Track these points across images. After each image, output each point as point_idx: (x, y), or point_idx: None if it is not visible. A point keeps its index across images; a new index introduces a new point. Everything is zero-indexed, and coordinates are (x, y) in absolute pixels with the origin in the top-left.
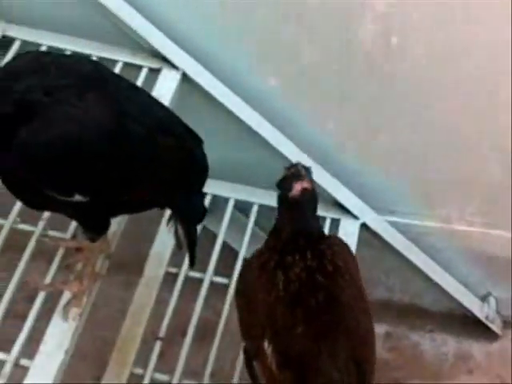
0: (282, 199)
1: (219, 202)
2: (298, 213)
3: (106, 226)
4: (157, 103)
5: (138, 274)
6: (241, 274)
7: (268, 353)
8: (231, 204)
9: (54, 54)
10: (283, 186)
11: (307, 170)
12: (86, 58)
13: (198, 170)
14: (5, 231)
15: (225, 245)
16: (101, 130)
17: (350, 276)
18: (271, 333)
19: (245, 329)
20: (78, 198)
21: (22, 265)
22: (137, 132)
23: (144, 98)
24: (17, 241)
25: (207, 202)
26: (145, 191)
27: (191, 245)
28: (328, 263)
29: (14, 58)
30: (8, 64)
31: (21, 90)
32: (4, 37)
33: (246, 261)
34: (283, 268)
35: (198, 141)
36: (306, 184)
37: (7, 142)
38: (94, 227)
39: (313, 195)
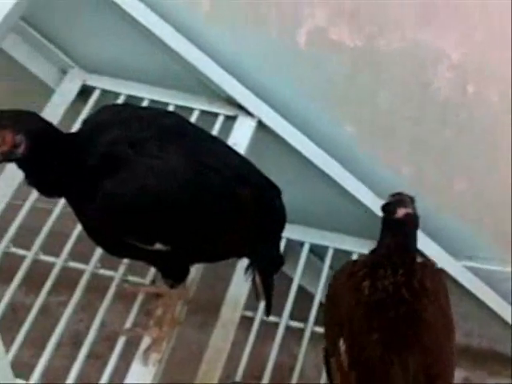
0: (385, 221)
1: (294, 245)
2: (399, 234)
3: (186, 273)
4: (234, 153)
5: (214, 315)
6: (331, 281)
7: (342, 351)
8: (306, 248)
9: (134, 107)
10: (388, 209)
11: (411, 199)
12: (164, 110)
13: (276, 220)
14: (86, 275)
15: (300, 288)
16: (181, 181)
17: (435, 298)
18: (347, 333)
19: (326, 329)
20: (158, 246)
21: (102, 308)
22: (216, 183)
23: (222, 148)
24: (98, 284)
25: (282, 245)
26: (224, 241)
27: (268, 295)
28: (416, 282)
29: (97, 112)
30: (91, 118)
31: (106, 143)
32: (84, 86)
33: (337, 270)
34: (372, 278)
35: (276, 190)
36: (409, 210)
37: (91, 193)
38: (174, 275)
39: (415, 221)
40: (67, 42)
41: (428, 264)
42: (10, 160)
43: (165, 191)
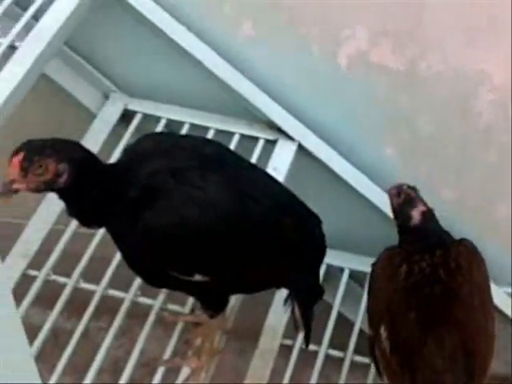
0: (403, 229)
1: (334, 271)
2: (423, 234)
3: (225, 303)
4: (274, 182)
5: (254, 342)
6: (371, 272)
7: (383, 337)
8: (346, 274)
9: (174, 136)
10: (401, 216)
11: (414, 189)
12: (205, 139)
13: (316, 249)
14: (126, 303)
15: (340, 315)
16: (222, 211)
17: (470, 276)
18: (388, 319)
19: (369, 317)
20: (198, 277)
21: (142, 335)
22: (257, 212)
23: (262, 176)
24: (137, 312)
25: (322, 271)
26: (263, 271)
27: (308, 326)
28: (452, 261)
29: (137, 141)
30: (131, 147)
31: (147, 173)
32: (126, 110)
33: (375, 260)
34: (409, 262)
35: (316, 219)
36: (421, 207)
37: (132, 223)
38: (213, 305)
39: (430, 213)
40: (109, 66)
41: (463, 243)
42: (52, 189)
43: (205, 222)
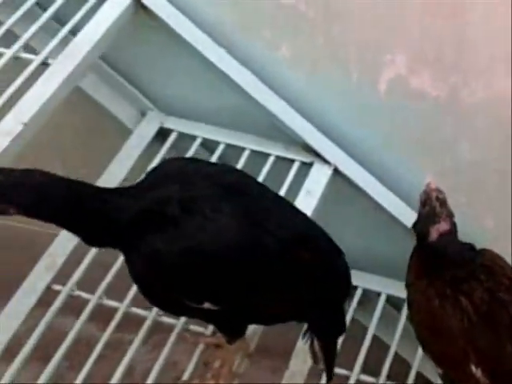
0: (419, 239)
1: (370, 294)
2: (441, 253)
3: (242, 331)
4: (298, 215)
5: (285, 359)
6: (415, 305)
7: (478, 376)
8: (383, 299)
9: (199, 162)
10: (420, 227)
11: (441, 201)
12: (232, 168)
13: (338, 284)
14: (148, 321)
15: (375, 340)
16: (228, 242)
17: None
18: (477, 356)
19: (439, 358)
20: (207, 305)
21: (162, 356)
22: (269, 245)
23: (285, 209)
24: (159, 331)
25: (358, 294)
26: (277, 304)
27: (328, 360)
28: (502, 277)
29: (160, 164)
30: (153, 169)
31: (154, 199)
32: (161, 128)
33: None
34: (463, 294)
35: (339, 253)
36: (443, 226)
37: (135, 248)
38: (230, 331)
39: (451, 235)
40: (147, 84)
41: (490, 254)
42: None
43: (208, 252)
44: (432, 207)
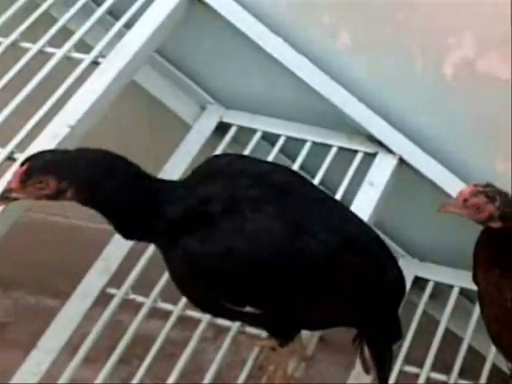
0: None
1: (442, 288)
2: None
3: (291, 335)
4: (351, 218)
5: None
6: (487, 298)
7: None
8: (456, 291)
9: (249, 160)
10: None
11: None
12: (281, 167)
13: (390, 290)
14: (202, 325)
15: (448, 333)
16: (265, 245)
17: None
18: None
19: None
20: (249, 309)
21: (217, 358)
22: (312, 249)
23: (336, 212)
24: (213, 334)
25: (430, 288)
26: (324, 310)
27: (380, 369)
28: None
29: (207, 161)
30: (200, 166)
31: (195, 197)
32: (221, 122)
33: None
34: None
35: (393, 260)
36: None
37: (173, 245)
38: (279, 334)
39: None
40: (206, 78)
41: None
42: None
43: (246, 254)
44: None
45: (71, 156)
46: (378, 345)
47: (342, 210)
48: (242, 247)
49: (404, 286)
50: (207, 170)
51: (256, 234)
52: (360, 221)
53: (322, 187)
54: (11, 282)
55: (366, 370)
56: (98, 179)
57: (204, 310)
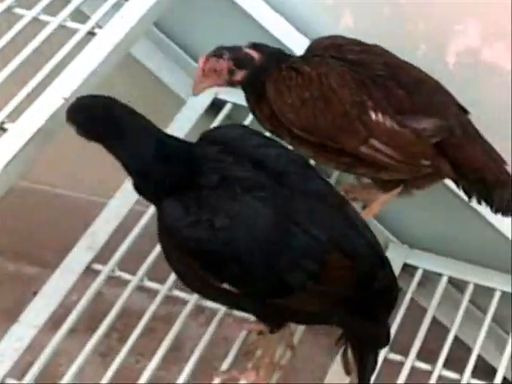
0: None
1: (431, 276)
2: None
3: (279, 324)
4: (350, 218)
5: None
6: None
7: None
8: (444, 280)
9: (260, 138)
10: None
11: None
12: (292, 154)
13: (379, 296)
14: (189, 306)
15: (434, 323)
16: (253, 228)
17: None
18: None
19: None
20: (226, 286)
21: (202, 342)
22: (299, 242)
23: (335, 210)
24: (199, 317)
25: (418, 275)
26: (299, 302)
27: (362, 374)
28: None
29: (219, 128)
30: (212, 132)
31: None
32: (216, 99)
33: None
34: None
35: (383, 263)
36: None
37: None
38: (267, 320)
39: None
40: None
41: None
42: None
43: (223, 232)
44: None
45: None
46: (362, 348)
47: (342, 208)
48: (225, 224)
49: (395, 293)
50: (216, 139)
51: (243, 215)
52: (360, 222)
53: None
54: None
55: (347, 372)
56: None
57: (185, 282)
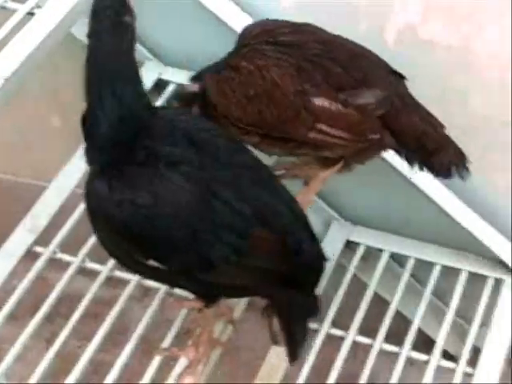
0: None
1: (373, 252)
2: None
3: (212, 299)
4: (277, 192)
5: None
6: None
7: None
8: (386, 256)
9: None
10: None
11: None
12: (221, 132)
13: (304, 268)
14: (131, 285)
15: (375, 298)
16: (174, 205)
17: None
18: None
19: None
20: (153, 263)
21: (144, 320)
22: (219, 216)
23: (262, 183)
24: (141, 295)
25: (361, 251)
26: (232, 277)
27: (290, 342)
28: None
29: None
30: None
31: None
32: (160, 79)
33: None
34: None
35: (312, 239)
36: None
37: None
38: (199, 294)
39: None
40: (145, 32)
41: None
42: None
43: (144, 207)
44: None
45: None
46: (290, 318)
47: (269, 181)
48: (146, 202)
49: (319, 264)
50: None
51: (164, 192)
52: (286, 195)
53: None
54: None
55: (275, 342)
56: None
57: (114, 257)
